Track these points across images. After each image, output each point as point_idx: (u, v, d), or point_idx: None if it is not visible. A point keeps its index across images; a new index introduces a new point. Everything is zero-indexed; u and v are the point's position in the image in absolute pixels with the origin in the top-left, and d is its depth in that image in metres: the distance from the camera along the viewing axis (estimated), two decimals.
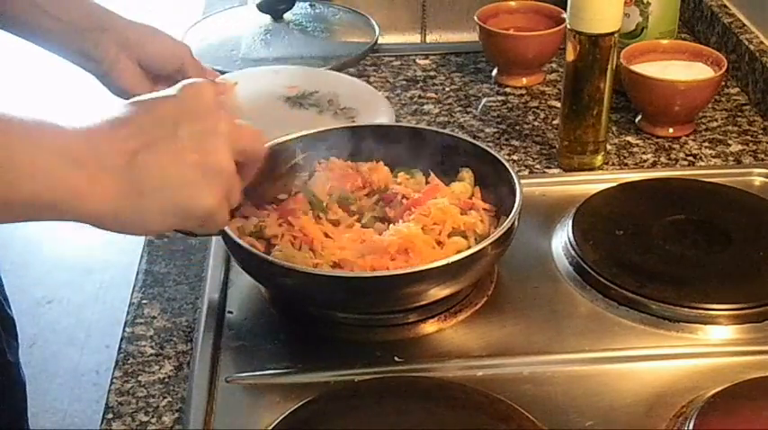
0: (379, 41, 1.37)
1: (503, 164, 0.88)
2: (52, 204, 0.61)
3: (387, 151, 0.93)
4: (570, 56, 1.00)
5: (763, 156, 1.10)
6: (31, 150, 0.60)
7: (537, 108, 1.21)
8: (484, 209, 0.88)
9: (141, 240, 0.93)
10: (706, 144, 1.12)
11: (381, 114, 1.12)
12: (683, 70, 1.13)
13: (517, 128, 1.16)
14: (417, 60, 1.34)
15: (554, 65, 1.30)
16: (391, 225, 0.84)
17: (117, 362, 0.81)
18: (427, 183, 0.91)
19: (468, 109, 1.21)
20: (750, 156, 1.10)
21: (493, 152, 0.90)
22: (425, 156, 0.93)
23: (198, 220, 0.68)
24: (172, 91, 0.68)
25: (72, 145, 0.62)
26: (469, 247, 0.80)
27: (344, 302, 0.82)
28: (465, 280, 0.81)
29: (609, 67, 1.00)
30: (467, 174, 0.91)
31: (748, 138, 1.13)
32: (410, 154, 0.93)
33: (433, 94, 1.25)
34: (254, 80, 1.20)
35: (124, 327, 0.84)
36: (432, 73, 1.31)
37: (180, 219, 0.67)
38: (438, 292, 0.79)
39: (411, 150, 0.93)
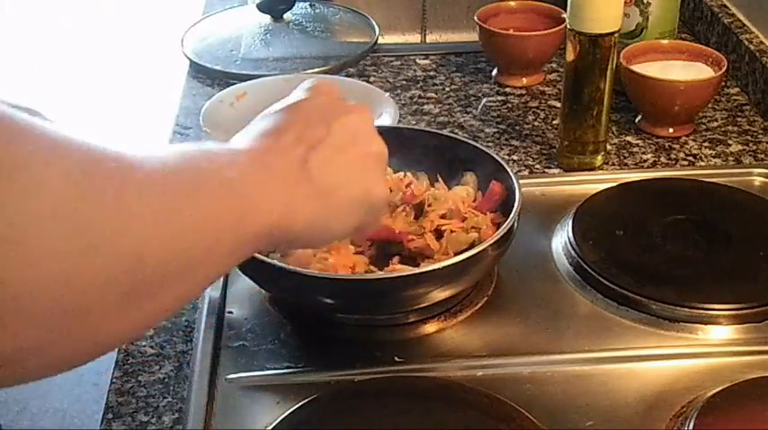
0: (379, 41, 1.37)
1: (502, 165, 0.88)
2: (269, 229, 0.58)
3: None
4: (570, 56, 1.00)
5: (763, 156, 1.10)
6: (257, 174, 0.58)
7: (537, 108, 1.21)
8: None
9: None
10: (706, 144, 1.12)
11: (386, 116, 1.12)
12: (683, 70, 1.13)
13: (517, 128, 1.16)
14: (417, 60, 1.34)
15: (554, 65, 1.30)
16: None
17: (117, 362, 0.81)
18: (432, 185, 0.91)
19: (468, 109, 1.21)
20: (750, 156, 1.10)
21: (492, 153, 0.90)
22: (425, 158, 0.93)
23: (375, 212, 0.67)
24: (300, 93, 0.67)
25: (265, 162, 0.59)
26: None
27: (344, 305, 0.82)
28: (465, 281, 0.81)
29: (609, 67, 1.00)
30: (470, 178, 0.91)
31: (748, 138, 1.13)
32: (409, 155, 0.93)
33: (433, 94, 1.25)
34: (266, 88, 1.20)
35: None
36: (432, 73, 1.31)
37: (362, 215, 0.66)
38: (438, 294, 0.79)
39: (410, 151, 0.93)
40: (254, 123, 0.65)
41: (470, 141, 0.94)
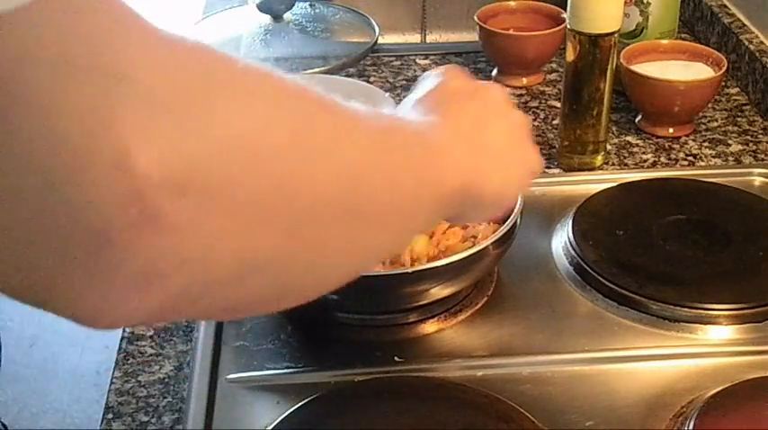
0: (379, 41, 1.37)
1: None
2: (465, 188, 0.58)
3: None
4: (570, 56, 1.00)
5: (763, 156, 1.10)
6: (446, 137, 0.58)
7: (537, 108, 1.21)
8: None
9: None
10: (706, 144, 1.12)
11: None
12: (683, 70, 1.13)
13: None
14: (417, 60, 1.34)
15: (554, 65, 1.30)
16: None
17: (117, 362, 0.81)
18: None
19: None
20: (750, 156, 1.10)
21: None
22: None
23: (531, 179, 0.67)
24: (432, 81, 0.67)
25: (448, 128, 0.59)
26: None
27: (346, 301, 0.81)
28: (466, 280, 0.81)
29: (609, 67, 1.00)
30: None
31: (748, 138, 1.13)
32: None
33: None
34: None
35: (124, 327, 0.84)
36: None
37: (525, 182, 0.66)
38: (439, 292, 0.80)
39: None
40: (406, 110, 0.64)
41: None
